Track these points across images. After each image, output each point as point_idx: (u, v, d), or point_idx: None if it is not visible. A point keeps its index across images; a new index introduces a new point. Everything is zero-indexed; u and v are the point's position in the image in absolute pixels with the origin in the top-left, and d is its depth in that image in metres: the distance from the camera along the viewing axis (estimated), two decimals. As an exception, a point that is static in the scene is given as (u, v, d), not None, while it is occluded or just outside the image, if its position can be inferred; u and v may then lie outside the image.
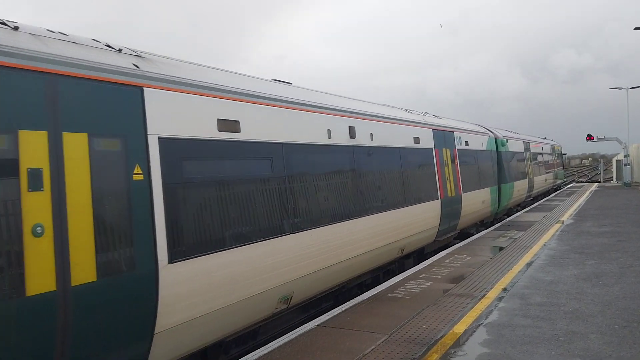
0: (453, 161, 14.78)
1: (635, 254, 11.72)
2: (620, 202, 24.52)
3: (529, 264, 11.00)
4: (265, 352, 6.45)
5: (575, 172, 77.30)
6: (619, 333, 6.62)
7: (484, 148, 18.35)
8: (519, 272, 10.31)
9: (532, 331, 6.80)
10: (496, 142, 20.28)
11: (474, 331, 6.90)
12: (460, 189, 14.97)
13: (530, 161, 26.41)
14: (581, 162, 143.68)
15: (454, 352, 6.20)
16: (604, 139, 37.51)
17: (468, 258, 12.07)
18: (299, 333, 7.09)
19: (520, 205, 25.17)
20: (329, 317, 7.82)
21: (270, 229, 6.89)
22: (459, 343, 6.50)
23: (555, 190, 36.83)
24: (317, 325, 7.43)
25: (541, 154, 30.58)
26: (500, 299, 8.42)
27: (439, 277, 10.23)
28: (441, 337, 6.75)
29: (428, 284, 9.71)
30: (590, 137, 37.20)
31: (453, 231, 14.80)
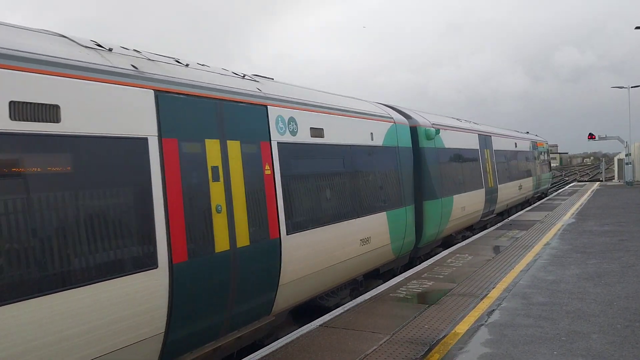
0: (256, 171, 6.93)
1: (637, 253, 11.72)
2: (622, 201, 24.49)
3: (530, 264, 11.00)
4: (268, 352, 6.47)
5: (577, 171, 77.35)
6: (621, 333, 6.62)
7: (378, 143, 10.46)
8: (521, 271, 10.32)
9: (534, 331, 6.81)
10: (415, 134, 12.55)
11: (476, 331, 6.91)
12: (280, 227, 7.21)
13: (493, 162, 18.70)
14: (583, 161, 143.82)
15: (456, 352, 6.21)
16: (605, 138, 37.48)
17: (470, 257, 12.08)
18: (301, 333, 7.11)
19: (475, 228, 17.34)
20: (331, 317, 7.83)
21: None
22: (460, 343, 6.51)
23: (540, 198, 29.76)
24: (320, 325, 7.44)
25: (514, 152, 22.82)
26: (502, 298, 8.43)
27: (441, 276, 10.24)
28: (443, 337, 6.76)
29: (430, 283, 9.72)
30: (591, 136, 37.16)
31: (256, 319, 7.01)
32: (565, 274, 10.00)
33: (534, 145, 27.74)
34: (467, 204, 15.26)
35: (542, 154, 29.97)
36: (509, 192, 20.73)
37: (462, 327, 7.09)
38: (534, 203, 26.70)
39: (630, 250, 12.10)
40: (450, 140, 14.62)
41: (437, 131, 13.30)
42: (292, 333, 7.18)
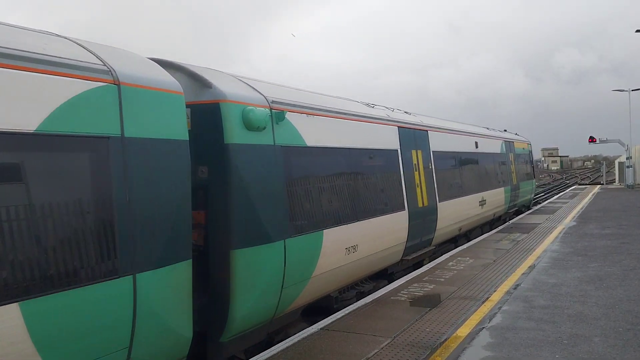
0: None
1: (638, 256, 11.69)
2: (623, 204, 24.48)
3: (532, 267, 10.98)
4: (268, 355, 6.45)
5: (577, 175, 77.40)
6: (623, 336, 6.60)
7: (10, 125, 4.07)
8: (522, 274, 10.30)
9: (536, 334, 6.79)
10: (216, 116, 6.55)
11: (478, 334, 6.89)
12: None
13: (430, 169, 12.67)
14: (583, 164, 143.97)
15: (458, 356, 6.19)
16: (606, 141, 37.48)
17: (471, 261, 12.05)
18: (302, 336, 7.09)
19: (395, 272, 11.26)
20: (332, 320, 7.81)
21: None
22: (462, 346, 6.49)
23: (519, 212, 23.21)
24: (320, 328, 7.42)
25: (473, 154, 16.66)
26: (503, 301, 8.41)
27: (442, 279, 10.22)
28: (444, 340, 6.74)
29: (431, 286, 9.70)
30: (592, 139, 37.16)
31: None
32: (567, 277, 9.97)
33: (510, 145, 21.72)
34: (365, 239, 9.21)
35: (523, 157, 23.89)
36: (460, 210, 14.47)
37: (463, 331, 7.06)
38: (508, 220, 20.66)
39: (632, 253, 12.07)
40: (322, 135, 8.43)
41: (280, 115, 7.24)
42: (293, 337, 7.16)
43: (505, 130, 23.58)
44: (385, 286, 10.03)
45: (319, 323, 7.71)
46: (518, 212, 23.12)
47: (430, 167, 12.80)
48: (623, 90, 40.07)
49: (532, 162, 26.02)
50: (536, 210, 24.31)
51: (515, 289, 9.19)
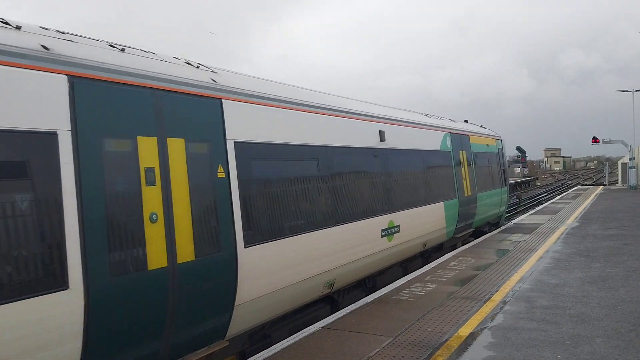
0: None
1: (641, 258, 11.67)
2: (626, 205, 24.42)
3: (534, 267, 10.96)
4: (270, 354, 6.46)
5: (580, 175, 77.30)
6: (626, 337, 6.59)
7: None
8: (525, 275, 10.28)
9: (538, 334, 6.78)
10: None
11: (479, 334, 6.88)
12: None
13: (212, 185, 5.99)
14: (586, 164, 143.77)
15: (459, 355, 6.18)
16: (609, 142, 37.39)
17: (473, 261, 12.04)
18: (303, 335, 7.10)
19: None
20: (333, 319, 7.82)
21: None
22: (464, 346, 6.48)
23: (478, 235, 16.72)
24: (322, 327, 7.43)
25: (367, 152, 9.83)
26: (505, 302, 8.40)
27: (444, 279, 10.21)
28: (446, 339, 6.74)
29: (433, 286, 9.69)
30: (595, 140, 37.09)
31: None
32: (569, 277, 9.96)
33: (461, 140, 15.27)
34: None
35: (487, 157, 17.59)
36: (325, 252, 8.08)
37: (465, 330, 7.06)
38: (460, 245, 15.19)
39: (635, 254, 12.04)
40: None
41: None
42: (294, 335, 7.17)
43: (466, 121, 17.58)
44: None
45: (321, 322, 7.72)
46: (477, 234, 16.80)
47: (225, 174, 6.25)
48: (627, 91, 40.00)
49: (502, 164, 19.42)
50: (539, 210, 24.27)
51: (517, 289, 9.18)
